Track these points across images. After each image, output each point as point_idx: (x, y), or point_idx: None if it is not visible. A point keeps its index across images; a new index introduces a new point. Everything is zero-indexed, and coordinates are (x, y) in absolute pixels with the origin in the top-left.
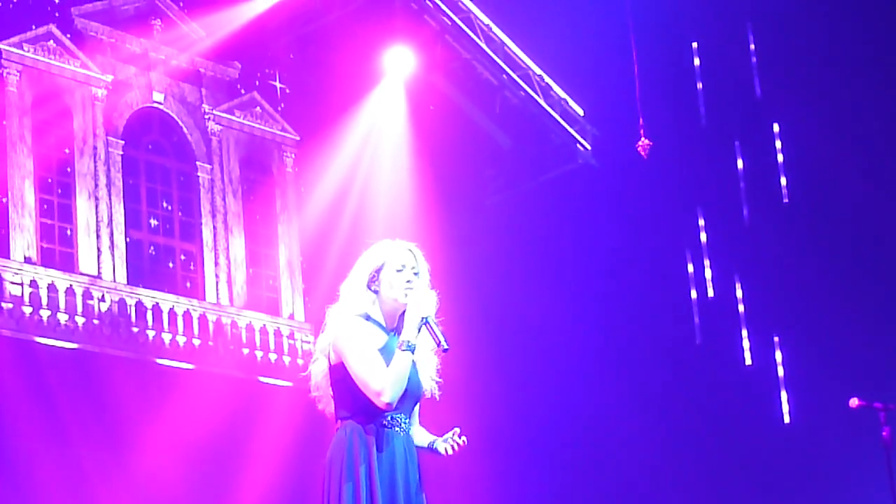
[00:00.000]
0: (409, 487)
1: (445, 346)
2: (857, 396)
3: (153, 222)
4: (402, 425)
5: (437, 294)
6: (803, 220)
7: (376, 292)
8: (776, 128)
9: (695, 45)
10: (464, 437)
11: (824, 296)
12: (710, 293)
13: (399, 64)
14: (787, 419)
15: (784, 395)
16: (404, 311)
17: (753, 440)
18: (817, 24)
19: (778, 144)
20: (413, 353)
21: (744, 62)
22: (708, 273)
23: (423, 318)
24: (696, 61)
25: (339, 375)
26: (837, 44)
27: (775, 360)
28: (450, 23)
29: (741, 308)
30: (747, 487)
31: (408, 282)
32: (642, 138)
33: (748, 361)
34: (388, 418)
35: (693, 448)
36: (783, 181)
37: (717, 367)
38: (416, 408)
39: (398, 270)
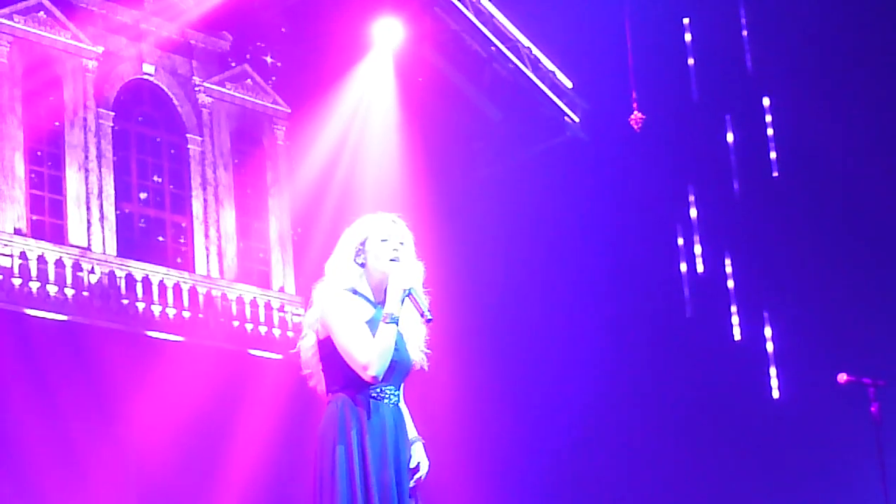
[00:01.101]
0: (399, 457)
1: (429, 317)
2: (845, 372)
3: (143, 195)
4: (392, 397)
5: (423, 265)
6: (793, 194)
7: (362, 265)
8: (766, 102)
9: (686, 20)
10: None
11: (814, 271)
12: (700, 269)
13: (387, 36)
14: (776, 394)
15: (773, 371)
16: (399, 287)
17: (742, 415)
18: None
19: (768, 118)
20: (397, 325)
21: (735, 36)
22: (698, 249)
23: (406, 289)
24: (688, 37)
25: (328, 350)
26: (828, 18)
27: (764, 336)
28: None
29: (731, 283)
30: (736, 462)
31: (393, 251)
32: (635, 111)
33: (737, 337)
34: (378, 390)
35: (682, 423)
36: (773, 155)
37: (707, 343)
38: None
39: (383, 241)
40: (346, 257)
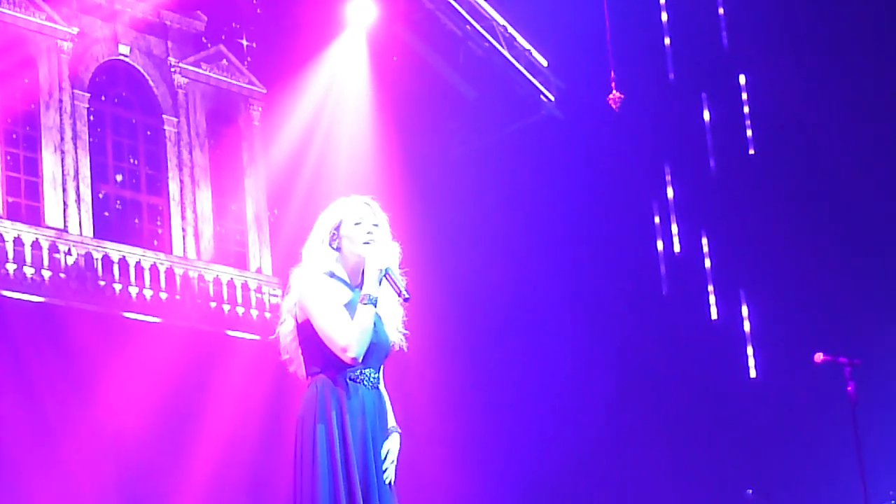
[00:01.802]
0: (377, 440)
1: (406, 296)
2: (822, 351)
3: (119, 176)
4: (371, 379)
5: (399, 246)
6: (770, 172)
7: (338, 249)
8: (742, 79)
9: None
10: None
11: (790, 250)
12: (677, 248)
13: (361, 15)
14: (752, 374)
15: (750, 350)
16: (375, 269)
17: (720, 395)
18: None
19: (744, 96)
20: (375, 305)
21: (711, 14)
22: (675, 228)
23: (382, 269)
24: (664, 16)
25: (307, 333)
26: None
27: (741, 315)
28: None
29: (707, 262)
30: (713, 441)
31: (368, 233)
32: (613, 91)
33: (714, 316)
34: (357, 372)
35: (659, 403)
36: (749, 133)
37: (684, 322)
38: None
39: (356, 224)
40: (321, 242)
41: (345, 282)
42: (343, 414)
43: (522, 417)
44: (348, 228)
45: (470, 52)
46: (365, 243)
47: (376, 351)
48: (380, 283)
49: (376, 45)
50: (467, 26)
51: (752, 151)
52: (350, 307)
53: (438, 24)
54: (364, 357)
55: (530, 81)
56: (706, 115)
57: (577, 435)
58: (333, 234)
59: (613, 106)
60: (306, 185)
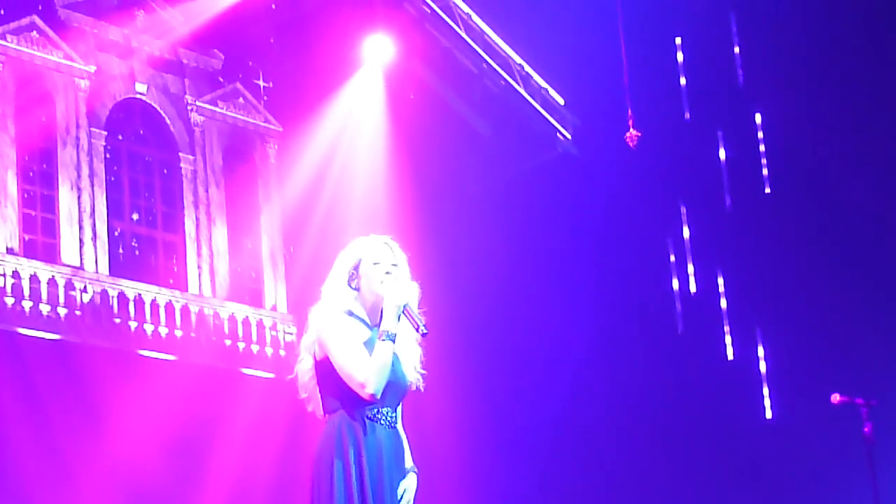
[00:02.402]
0: (393, 481)
1: (424, 331)
2: (838, 392)
3: (135, 213)
4: (388, 419)
5: (418, 286)
6: (785, 211)
7: (356, 289)
8: (758, 118)
9: (678, 40)
10: None
11: (807, 290)
12: (693, 288)
13: (378, 52)
14: (768, 414)
15: (766, 390)
16: (393, 306)
17: (735, 436)
18: (800, 13)
19: (760, 134)
20: (394, 342)
21: (727, 52)
22: (690, 268)
23: (400, 305)
24: (680, 56)
25: (325, 370)
26: (820, 33)
27: (757, 355)
28: (429, 11)
29: (723, 302)
30: (728, 483)
31: (386, 273)
32: (630, 129)
33: (730, 356)
34: (374, 411)
35: (674, 443)
36: (765, 171)
37: (699, 362)
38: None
39: (375, 263)
40: (340, 281)
41: (363, 320)
42: (360, 452)
43: (538, 456)
44: (367, 268)
45: (486, 89)
46: (382, 282)
47: (394, 390)
48: (398, 320)
49: (393, 82)
50: (484, 64)
51: (767, 190)
52: (369, 345)
53: (455, 61)
54: (382, 395)
55: (546, 119)
56: (722, 154)
57: (592, 475)
58: (352, 273)
59: (630, 144)
60: (322, 223)
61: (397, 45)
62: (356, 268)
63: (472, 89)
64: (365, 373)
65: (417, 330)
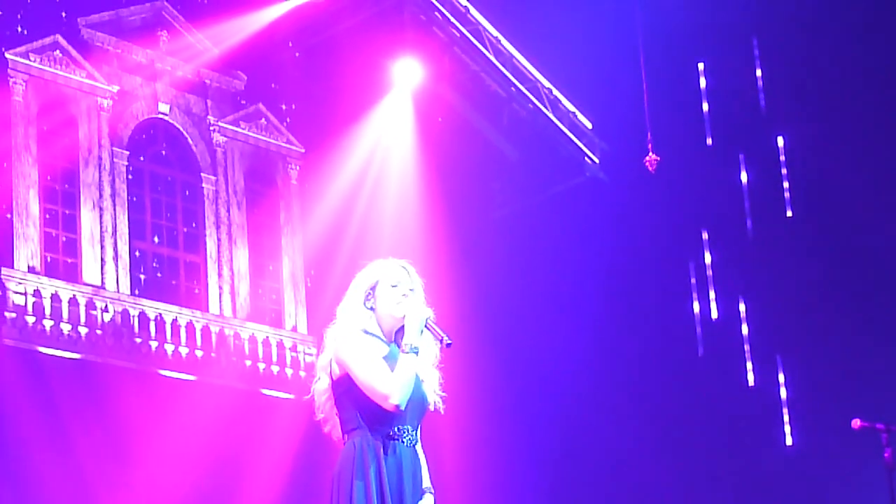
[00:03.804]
0: (411, 499)
1: (448, 341)
2: (859, 417)
3: (157, 233)
4: (409, 437)
5: (433, 312)
6: (807, 235)
7: (372, 309)
8: (780, 141)
9: (701, 65)
10: None
11: (827, 315)
12: (714, 314)
13: (407, 75)
14: (789, 441)
15: (786, 417)
16: (402, 324)
17: (755, 462)
18: (822, 37)
19: (782, 158)
20: (417, 355)
21: (749, 76)
22: (712, 294)
23: (423, 319)
24: (703, 82)
25: (344, 388)
26: (842, 57)
27: (778, 381)
28: (458, 35)
29: (745, 328)
30: None
31: (403, 296)
32: (650, 153)
33: (751, 382)
34: (396, 429)
35: (695, 470)
36: (787, 195)
37: (720, 388)
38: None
39: (392, 286)
40: (356, 301)
41: (380, 338)
42: (381, 471)
43: (555, 479)
44: (384, 290)
45: (514, 113)
46: (398, 304)
47: (416, 408)
48: (420, 334)
49: (422, 105)
50: (512, 88)
51: (789, 213)
52: (388, 359)
53: (483, 85)
54: (404, 412)
55: (574, 143)
56: (744, 177)
57: (610, 498)
58: (369, 293)
59: (650, 168)
60: (349, 244)
61: (426, 68)
62: (373, 288)
63: (500, 113)
64: (388, 384)
65: (441, 341)
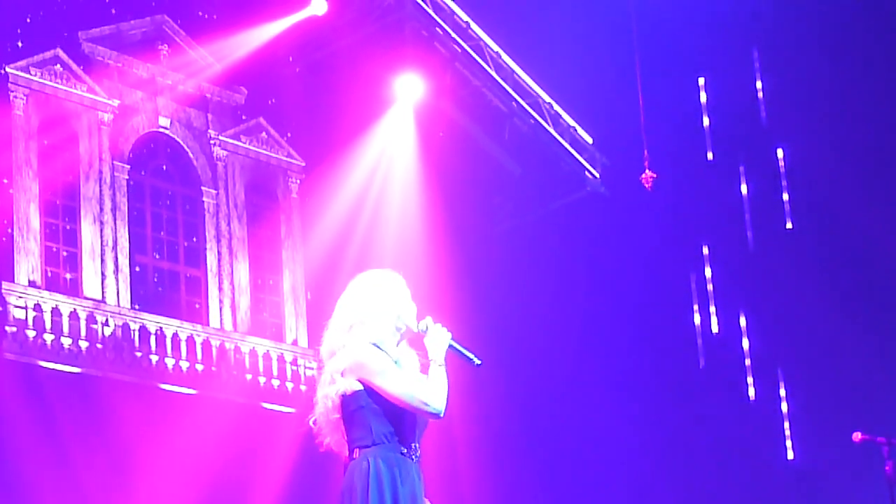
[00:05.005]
0: None
1: (478, 362)
2: (860, 431)
3: (158, 247)
4: (417, 454)
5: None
6: (807, 246)
7: (398, 329)
8: (780, 153)
9: (701, 80)
10: None
11: (828, 329)
12: (715, 329)
13: (409, 91)
14: (790, 454)
15: (787, 431)
16: (403, 339)
17: (757, 475)
18: (822, 49)
19: (782, 170)
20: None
21: (749, 88)
22: (712, 308)
23: (447, 342)
24: (703, 97)
25: (360, 403)
26: (842, 69)
27: (779, 395)
28: (460, 50)
29: (745, 342)
30: None
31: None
32: (646, 170)
33: (752, 396)
34: (410, 446)
35: (696, 484)
36: (787, 207)
37: (721, 402)
38: None
39: (411, 304)
40: (387, 321)
41: (386, 352)
42: (396, 489)
43: (557, 493)
44: (406, 306)
45: (515, 128)
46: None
47: (422, 423)
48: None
49: (424, 120)
50: (513, 103)
51: (789, 225)
52: None
53: (484, 100)
54: (412, 430)
55: (575, 158)
56: (744, 189)
57: None
58: (399, 316)
59: (646, 185)
60: (351, 258)
61: (428, 84)
62: (399, 312)
63: (501, 128)
64: (426, 392)
65: (471, 362)
